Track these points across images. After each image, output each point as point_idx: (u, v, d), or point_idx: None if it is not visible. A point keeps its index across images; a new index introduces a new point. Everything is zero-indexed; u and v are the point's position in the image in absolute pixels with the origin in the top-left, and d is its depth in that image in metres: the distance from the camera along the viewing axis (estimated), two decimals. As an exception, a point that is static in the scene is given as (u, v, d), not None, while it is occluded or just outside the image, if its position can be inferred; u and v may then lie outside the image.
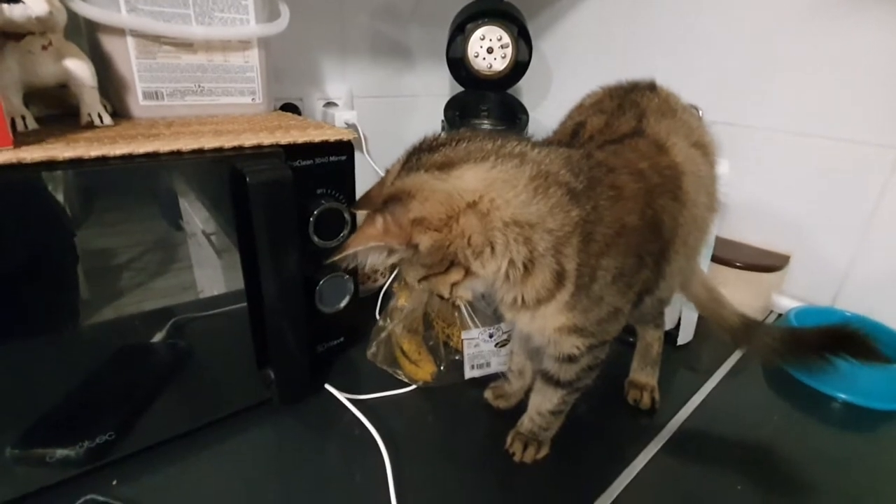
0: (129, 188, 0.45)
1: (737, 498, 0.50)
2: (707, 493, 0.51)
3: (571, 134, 0.47)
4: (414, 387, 0.63)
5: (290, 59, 0.87)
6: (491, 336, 0.61)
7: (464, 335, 0.60)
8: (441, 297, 0.43)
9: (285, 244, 0.48)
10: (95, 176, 0.41)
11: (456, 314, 0.64)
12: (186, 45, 0.57)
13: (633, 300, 0.44)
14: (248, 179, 0.43)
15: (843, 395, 0.67)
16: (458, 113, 0.93)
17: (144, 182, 0.46)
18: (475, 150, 0.39)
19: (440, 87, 1.15)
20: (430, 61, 1.10)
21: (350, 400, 0.59)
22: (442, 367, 0.64)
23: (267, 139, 0.49)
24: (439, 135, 0.42)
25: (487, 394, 0.61)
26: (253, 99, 0.65)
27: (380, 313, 0.77)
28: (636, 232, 0.40)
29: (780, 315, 0.86)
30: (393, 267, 0.87)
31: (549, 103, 1.17)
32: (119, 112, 0.56)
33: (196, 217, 0.49)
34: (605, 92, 0.52)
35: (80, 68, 0.48)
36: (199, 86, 0.60)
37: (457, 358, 0.65)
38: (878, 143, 0.73)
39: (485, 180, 0.38)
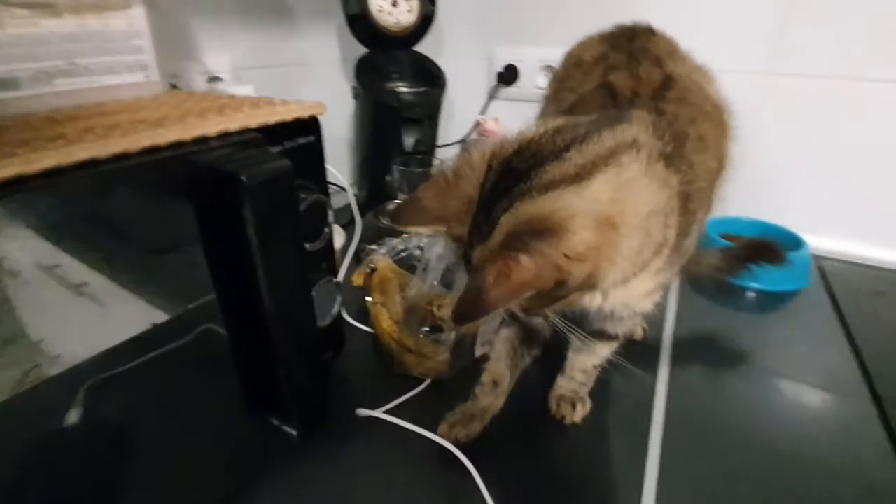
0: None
1: (748, 380, 0.59)
2: (729, 390, 0.58)
3: (609, 97, 0.44)
4: (427, 382, 0.57)
5: (159, 28, 0.68)
6: (504, 307, 0.58)
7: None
8: (534, 316, 0.38)
9: (290, 251, 0.38)
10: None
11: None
12: (47, 6, 0.40)
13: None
14: (243, 179, 0.32)
15: (754, 285, 0.81)
16: (375, 77, 0.83)
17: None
18: (601, 151, 0.33)
19: (330, 51, 1.02)
20: (315, 23, 0.97)
21: (388, 412, 0.52)
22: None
23: (231, 124, 0.37)
24: (543, 133, 0.35)
25: (441, 429, 0.49)
26: (146, 76, 0.49)
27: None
28: (716, 176, 0.40)
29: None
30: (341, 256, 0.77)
31: (443, 60, 1.12)
32: (-50, 112, 0.37)
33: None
34: (602, 44, 0.49)
35: None
36: (72, 63, 0.43)
37: (448, 339, 0.61)
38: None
39: (621, 189, 0.33)
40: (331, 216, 0.48)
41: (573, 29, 0.55)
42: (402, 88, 0.84)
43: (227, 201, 0.34)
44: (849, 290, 0.79)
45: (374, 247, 0.74)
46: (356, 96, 0.86)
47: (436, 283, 0.61)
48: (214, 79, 0.77)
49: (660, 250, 0.37)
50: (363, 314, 0.67)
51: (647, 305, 0.44)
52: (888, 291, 0.79)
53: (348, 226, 0.78)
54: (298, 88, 0.97)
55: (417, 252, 0.78)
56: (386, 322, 0.60)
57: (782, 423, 0.53)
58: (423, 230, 0.37)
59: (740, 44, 0.86)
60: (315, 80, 0.99)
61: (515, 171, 0.34)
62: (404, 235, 0.74)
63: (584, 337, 0.44)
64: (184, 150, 0.34)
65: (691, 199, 0.37)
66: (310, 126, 0.45)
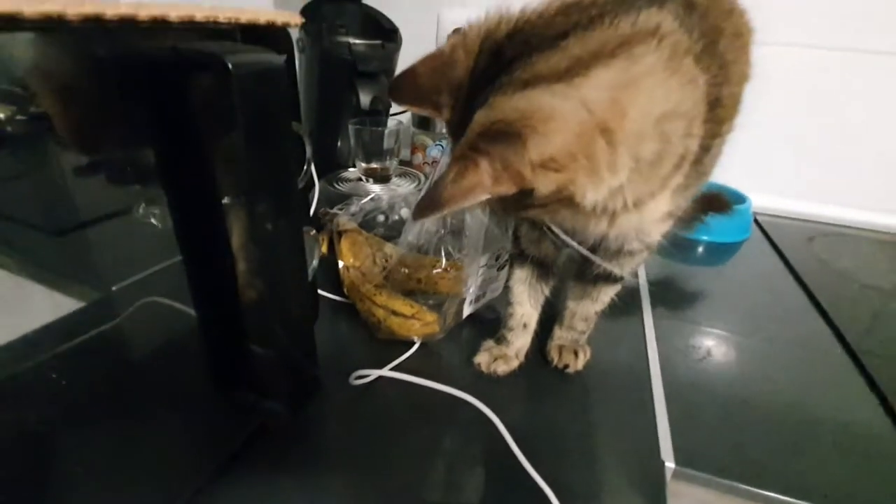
0: None
1: (723, 321, 0.61)
2: (703, 322, 0.60)
3: None
4: (417, 345, 0.52)
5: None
6: (497, 259, 0.54)
7: (472, 267, 0.52)
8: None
9: (288, 174, 0.31)
10: None
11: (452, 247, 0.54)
12: None
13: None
14: (230, 67, 0.25)
15: (705, 238, 0.85)
16: (323, 27, 0.75)
17: None
18: (609, 39, 0.27)
19: None
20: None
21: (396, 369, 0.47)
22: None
23: (196, 13, 0.29)
24: (544, 12, 0.30)
25: (482, 358, 0.49)
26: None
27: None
28: (744, 85, 0.35)
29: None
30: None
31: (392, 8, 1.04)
32: None
33: None
34: None
35: None
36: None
37: (430, 303, 0.57)
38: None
39: (626, 87, 0.27)
40: (309, 152, 0.41)
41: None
42: (355, 41, 0.77)
43: (201, 106, 0.27)
44: (784, 239, 0.85)
45: (336, 210, 0.67)
46: (301, 49, 0.77)
47: (413, 241, 0.56)
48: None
49: (680, 164, 0.32)
50: (327, 283, 0.60)
51: (656, 235, 0.40)
52: (816, 237, 0.87)
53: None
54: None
55: (381, 218, 0.72)
56: (365, 286, 0.54)
57: (759, 366, 0.54)
58: (417, 110, 0.35)
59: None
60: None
61: (503, 58, 0.29)
62: (371, 195, 0.68)
63: (587, 255, 0.40)
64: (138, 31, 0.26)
65: (721, 105, 0.32)
66: (282, 40, 0.38)
